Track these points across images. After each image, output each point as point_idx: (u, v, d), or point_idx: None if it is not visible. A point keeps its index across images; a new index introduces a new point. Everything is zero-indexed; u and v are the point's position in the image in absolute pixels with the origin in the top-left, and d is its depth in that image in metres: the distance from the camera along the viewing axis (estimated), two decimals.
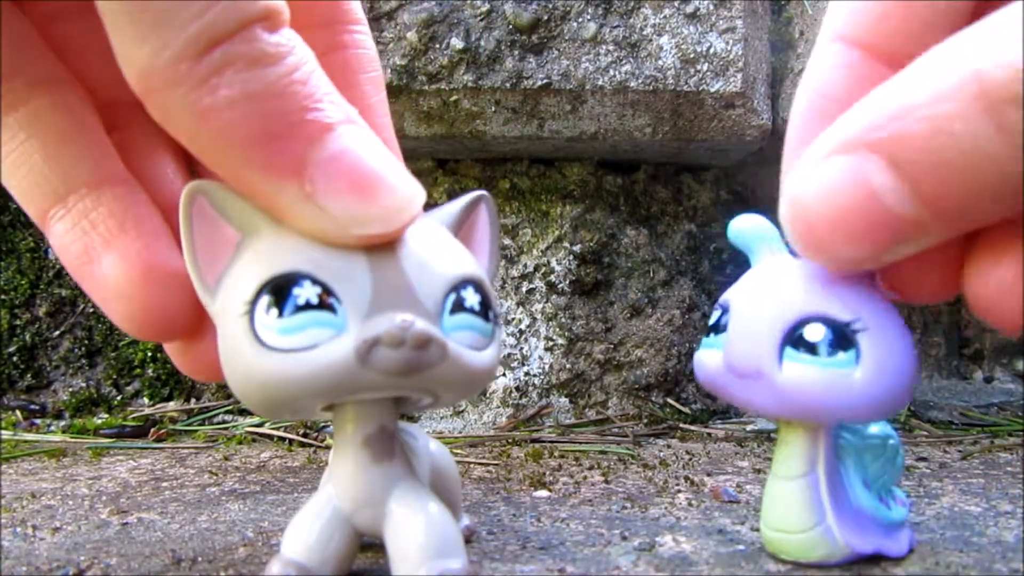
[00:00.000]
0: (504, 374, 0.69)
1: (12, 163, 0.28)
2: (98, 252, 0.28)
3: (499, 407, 0.69)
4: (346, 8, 0.30)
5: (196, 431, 0.66)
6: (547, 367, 0.70)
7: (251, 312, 0.25)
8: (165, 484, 0.48)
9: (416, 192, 0.26)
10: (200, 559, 0.33)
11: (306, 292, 0.25)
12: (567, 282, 0.70)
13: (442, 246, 0.27)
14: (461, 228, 0.30)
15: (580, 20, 0.61)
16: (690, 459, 0.55)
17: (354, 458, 0.28)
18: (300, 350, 0.25)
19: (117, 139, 0.30)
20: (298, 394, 0.25)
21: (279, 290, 0.25)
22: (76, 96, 0.29)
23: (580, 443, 0.61)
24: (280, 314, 0.25)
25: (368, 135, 0.25)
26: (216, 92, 0.22)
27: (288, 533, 0.29)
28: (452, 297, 0.26)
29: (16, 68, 0.28)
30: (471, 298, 0.27)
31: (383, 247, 0.26)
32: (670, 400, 0.71)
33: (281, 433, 0.64)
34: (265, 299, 0.25)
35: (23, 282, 0.71)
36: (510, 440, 0.62)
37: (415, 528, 0.28)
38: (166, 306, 0.28)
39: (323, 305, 0.25)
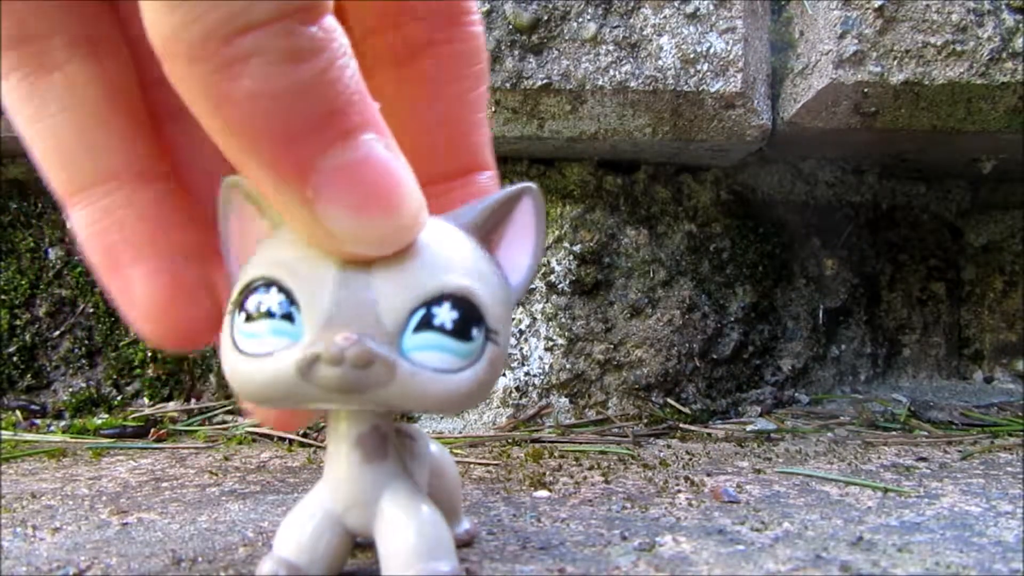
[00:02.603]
0: (504, 374, 0.69)
1: (38, 133, 0.26)
2: (124, 259, 0.27)
3: (499, 407, 0.69)
4: (454, 5, 0.28)
5: (196, 431, 0.66)
6: (547, 367, 0.70)
7: (233, 314, 0.25)
8: (165, 484, 0.48)
9: (418, 217, 0.25)
10: (200, 559, 0.33)
11: (269, 299, 0.25)
12: (567, 282, 0.70)
13: (427, 256, 0.25)
14: (495, 224, 0.28)
15: (580, 20, 0.61)
16: (690, 459, 0.55)
17: (346, 457, 0.28)
18: (257, 356, 0.25)
19: (170, 129, 0.28)
20: (255, 398, 0.26)
21: (248, 294, 0.25)
22: (120, 68, 0.27)
23: (580, 443, 0.61)
24: (247, 319, 0.25)
25: (384, 149, 0.24)
26: (238, 80, 0.21)
27: (280, 532, 0.29)
28: (420, 314, 0.25)
29: (56, 23, 0.26)
30: (444, 315, 0.25)
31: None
32: (670, 400, 0.71)
33: (281, 433, 0.63)
34: (240, 301, 0.25)
35: (23, 282, 0.71)
36: (510, 440, 0.62)
37: (406, 529, 0.27)
38: (192, 322, 0.28)
39: (285, 315, 0.25)
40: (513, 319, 0.70)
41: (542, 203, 0.28)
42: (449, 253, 0.26)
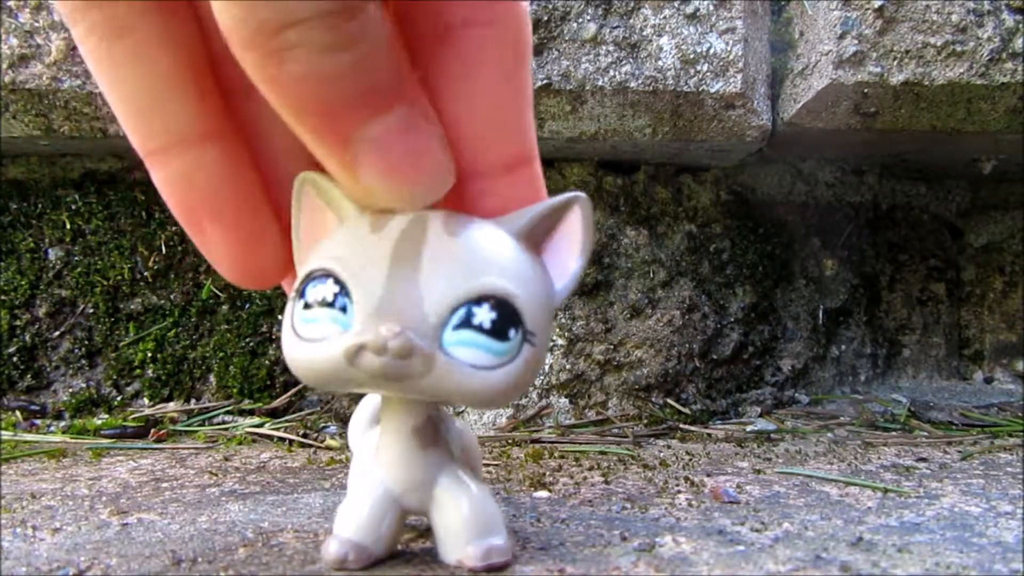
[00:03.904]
0: None
1: (114, 94, 0.29)
2: (201, 217, 0.30)
3: (499, 408, 0.69)
4: None
5: (196, 432, 0.66)
6: (547, 367, 0.70)
7: (294, 301, 0.28)
8: (165, 485, 0.48)
9: (443, 180, 0.28)
10: (200, 560, 0.33)
11: (325, 290, 0.27)
12: None
13: (472, 258, 0.28)
14: (543, 231, 0.30)
15: (580, 21, 0.61)
16: (690, 460, 0.55)
17: (405, 444, 0.31)
18: (311, 341, 0.27)
19: (245, 104, 0.31)
20: (307, 379, 0.28)
21: (309, 284, 0.28)
22: (187, 34, 0.29)
23: (580, 444, 0.61)
24: (304, 306, 0.28)
25: (418, 118, 0.27)
26: (285, 66, 0.24)
27: (341, 515, 0.31)
28: (461, 312, 0.27)
29: None
30: (483, 315, 0.27)
31: (412, 255, 0.27)
32: (670, 401, 0.71)
33: (281, 434, 0.64)
34: (300, 290, 0.28)
35: (23, 282, 0.71)
36: (510, 441, 0.62)
37: (460, 508, 0.30)
38: (261, 269, 0.31)
39: (337, 304, 0.27)
40: None
41: (591, 212, 0.30)
42: (493, 257, 0.28)
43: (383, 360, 0.26)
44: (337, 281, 0.27)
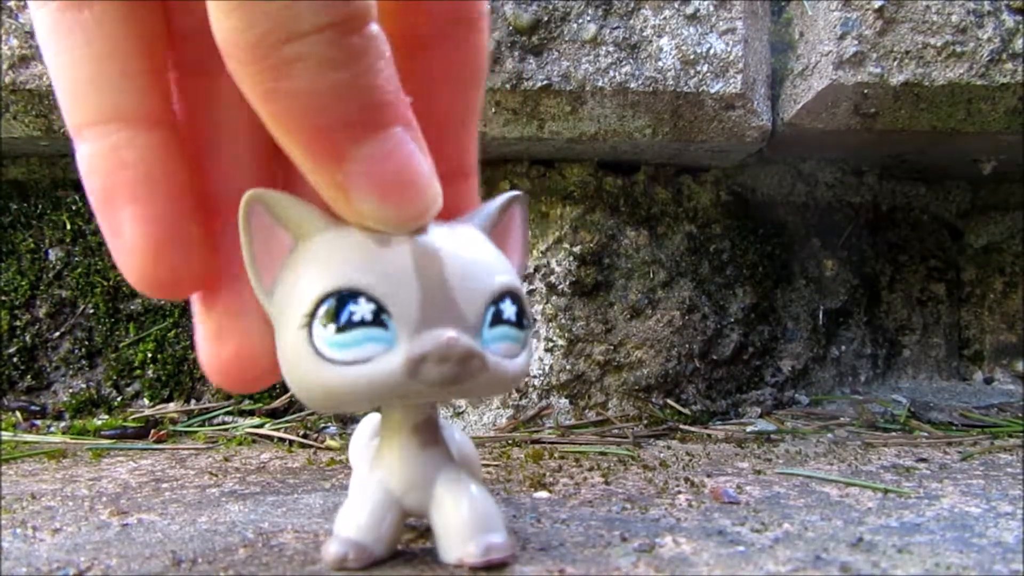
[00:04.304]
0: None
1: (59, 64, 0.28)
2: (121, 198, 0.28)
3: (499, 408, 0.69)
4: (463, 3, 0.30)
5: (196, 432, 0.66)
6: (547, 368, 0.70)
7: (310, 325, 0.27)
8: (165, 485, 0.48)
9: (432, 204, 0.28)
10: (200, 560, 0.33)
11: (361, 309, 0.27)
12: (567, 283, 0.70)
13: (484, 258, 0.29)
14: (495, 228, 0.31)
15: (580, 21, 0.61)
16: (690, 460, 0.55)
17: (405, 444, 0.31)
18: (356, 363, 0.27)
19: (202, 84, 0.30)
20: (356, 401, 0.28)
21: (336, 305, 0.27)
22: (148, 15, 0.28)
23: (580, 444, 0.61)
24: (338, 329, 0.27)
25: (411, 140, 0.27)
26: (283, 80, 0.24)
27: (342, 516, 0.31)
28: (492, 310, 0.28)
29: None
30: (508, 310, 0.29)
31: (434, 263, 0.28)
32: (670, 401, 0.71)
33: (281, 434, 0.64)
34: (323, 313, 0.27)
35: (23, 283, 0.71)
36: (510, 441, 0.62)
37: (461, 507, 0.30)
38: (176, 271, 0.29)
39: (376, 322, 0.27)
40: None
41: (527, 210, 0.33)
42: (494, 256, 0.30)
43: (445, 368, 0.27)
44: (371, 299, 0.27)
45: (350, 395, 0.27)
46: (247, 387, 0.31)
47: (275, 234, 0.29)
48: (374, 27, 0.25)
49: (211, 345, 0.30)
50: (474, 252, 0.29)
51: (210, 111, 0.30)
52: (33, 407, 0.70)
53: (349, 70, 0.24)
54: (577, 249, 0.70)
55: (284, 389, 0.71)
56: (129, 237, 0.28)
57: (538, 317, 0.70)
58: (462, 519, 0.30)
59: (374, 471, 0.31)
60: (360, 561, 0.30)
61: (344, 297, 0.27)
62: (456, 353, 0.26)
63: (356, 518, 0.31)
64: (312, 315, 0.27)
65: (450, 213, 0.30)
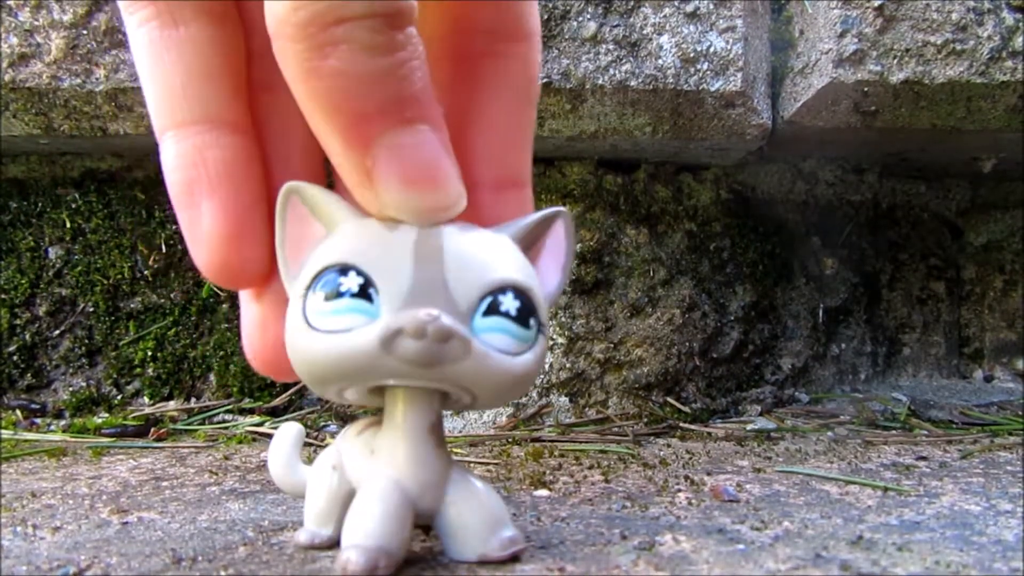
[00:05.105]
0: None
1: (153, 76, 0.30)
2: (201, 192, 0.30)
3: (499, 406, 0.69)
4: (514, 20, 0.32)
5: (196, 431, 0.66)
6: (547, 366, 0.70)
7: (306, 296, 0.28)
8: (165, 483, 0.48)
9: (456, 201, 0.28)
10: (200, 558, 0.33)
11: (349, 281, 0.27)
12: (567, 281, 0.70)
13: (492, 252, 0.29)
14: (533, 241, 0.31)
15: (580, 19, 0.61)
16: (690, 458, 0.55)
17: (424, 444, 0.30)
18: (337, 332, 0.27)
19: (266, 98, 0.32)
20: (332, 371, 0.28)
21: (329, 278, 0.27)
22: (233, 34, 0.31)
23: (580, 442, 0.61)
24: (325, 298, 0.27)
25: (439, 140, 0.28)
26: (326, 59, 0.25)
27: (355, 521, 0.29)
28: (488, 300, 0.28)
29: None
30: (509, 303, 0.28)
31: (433, 251, 0.28)
32: (670, 399, 0.71)
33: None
34: (318, 286, 0.28)
35: (23, 281, 0.71)
36: (510, 439, 0.62)
37: (476, 506, 0.31)
38: (248, 262, 0.31)
39: (362, 294, 0.27)
40: None
41: (572, 225, 0.32)
42: (507, 255, 0.29)
43: (421, 345, 0.26)
44: (360, 273, 0.27)
45: (327, 365, 0.27)
46: (286, 375, 0.32)
47: (308, 224, 0.30)
48: (414, 30, 0.26)
49: (256, 332, 0.32)
50: (483, 248, 0.29)
51: (271, 122, 0.32)
52: (33, 405, 0.70)
53: (390, 59, 0.26)
54: (577, 247, 0.70)
55: (284, 388, 0.71)
56: (207, 227, 0.30)
57: None
58: (479, 517, 0.31)
59: (383, 472, 0.30)
60: (390, 568, 0.29)
61: (334, 269, 0.27)
62: (434, 329, 0.26)
63: (379, 524, 0.29)
64: (309, 287, 0.28)
65: (501, 220, 0.31)
